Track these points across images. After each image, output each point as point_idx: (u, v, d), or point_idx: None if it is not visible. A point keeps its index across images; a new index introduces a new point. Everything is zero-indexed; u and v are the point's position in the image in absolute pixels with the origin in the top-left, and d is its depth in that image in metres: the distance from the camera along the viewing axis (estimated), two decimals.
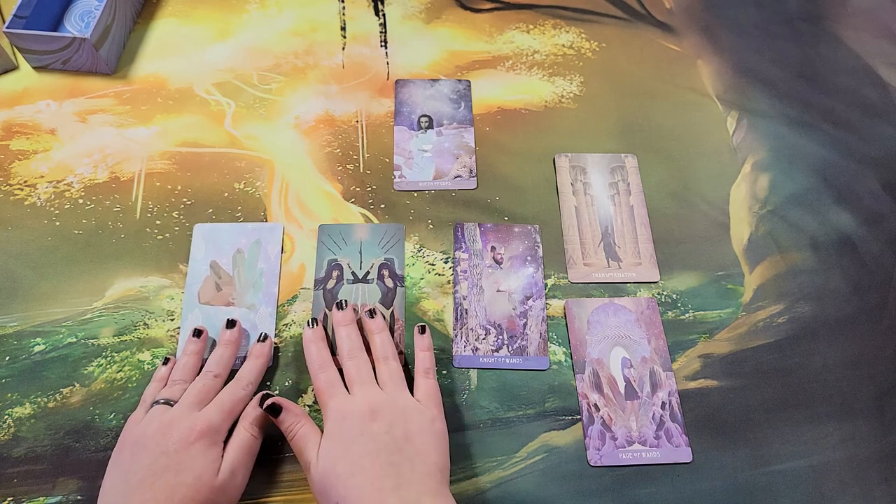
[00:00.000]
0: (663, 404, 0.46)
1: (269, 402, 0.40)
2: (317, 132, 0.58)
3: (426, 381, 0.42)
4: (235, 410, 0.41)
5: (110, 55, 0.59)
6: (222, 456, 0.38)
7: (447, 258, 0.52)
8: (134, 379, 0.45)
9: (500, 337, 0.48)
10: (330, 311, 0.48)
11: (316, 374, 0.42)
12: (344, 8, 0.66)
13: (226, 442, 0.39)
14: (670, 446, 0.44)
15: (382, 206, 0.54)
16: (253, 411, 0.41)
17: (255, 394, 0.42)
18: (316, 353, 0.43)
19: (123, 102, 0.58)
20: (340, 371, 0.43)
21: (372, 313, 0.46)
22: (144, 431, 0.38)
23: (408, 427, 0.38)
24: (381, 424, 0.38)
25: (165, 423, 0.38)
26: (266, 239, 0.51)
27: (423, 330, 0.45)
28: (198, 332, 0.45)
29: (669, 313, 0.50)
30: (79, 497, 0.41)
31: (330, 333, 0.47)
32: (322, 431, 0.40)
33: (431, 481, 0.36)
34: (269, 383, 0.46)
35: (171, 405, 0.40)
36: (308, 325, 0.45)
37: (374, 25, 0.65)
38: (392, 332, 0.47)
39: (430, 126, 0.58)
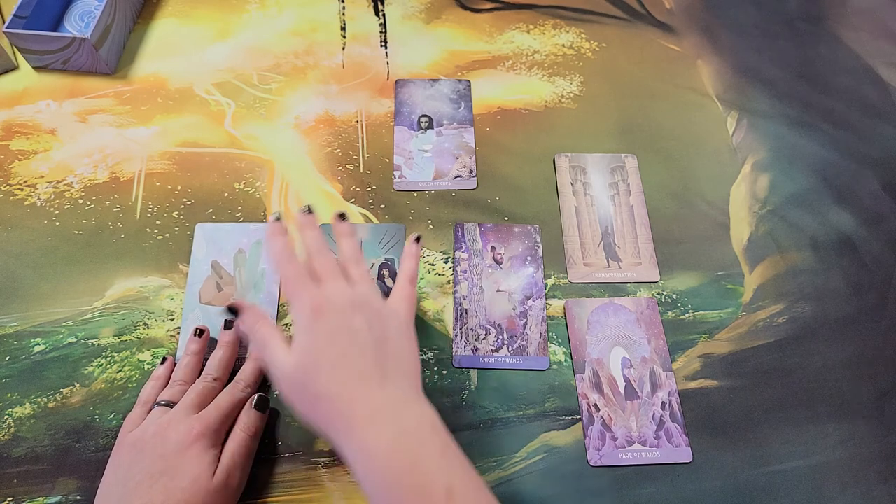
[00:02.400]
0: (663, 404, 0.46)
1: (227, 303, 0.38)
2: (317, 132, 0.58)
3: (409, 287, 0.40)
4: (234, 413, 0.41)
5: (110, 55, 0.59)
6: (219, 458, 0.38)
7: (447, 258, 0.52)
8: (134, 379, 0.45)
9: (500, 337, 0.48)
10: None
11: (282, 265, 0.38)
12: (344, 8, 0.66)
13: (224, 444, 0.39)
14: (670, 446, 0.44)
15: (382, 206, 0.54)
16: (248, 413, 0.41)
17: (254, 394, 0.42)
18: (281, 245, 0.39)
19: (123, 102, 0.58)
20: None
21: (343, 216, 0.43)
22: (143, 434, 0.38)
23: (386, 327, 0.36)
24: (361, 320, 0.35)
25: (163, 425, 0.38)
26: None
27: (418, 239, 0.43)
28: (199, 332, 0.45)
29: (669, 313, 0.50)
30: (79, 497, 0.41)
31: None
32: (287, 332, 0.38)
33: (414, 381, 0.35)
34: (269, 384, 0.46)
35: (172, 407, 0.40)
36: (273, 219, 0.41)
37: (374, 25, 0.65)
38: None
39: (430, 126, 0.58)
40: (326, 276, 0.38)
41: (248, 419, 0.41)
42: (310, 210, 0.42)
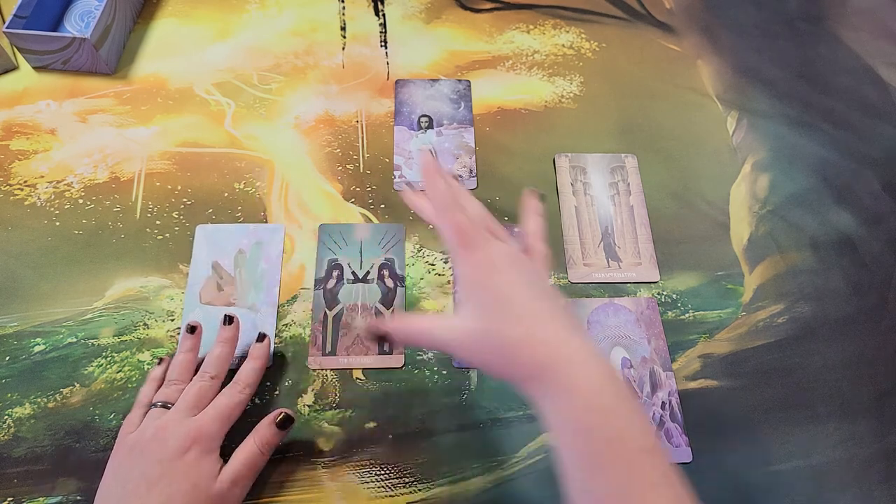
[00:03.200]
0: (663, 404, 0.46)
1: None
2: (317, 132, 0.58)
3: (543, 246, 0.40)
4: (233, 416, 0.40)
5: (110, 55, 0.59)
6: (220, 462, 0.38)
7: (447, 258, 0.52)
8: (134, 379, 0.45)
9: None
10: (330, 310, 0.48)
11: (444, 215, 0.36)
12: (344, 8, 0.66)
13: (225, 448, 0.39)
14: (670, 446, 0.44)
15: (382, 206, 0.54)
16: (269, 428, 0.40)
17: (253, 395, 0.42)
18: (443, 190, 0.36)
19: (123, 102, 0.58)
20: None
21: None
22: (140, 437, 0.38)
23: (545, 285, 0.36)
24: (531, 271, 0.36)
25: (160, 428, 0.38)
26: (267, 240, 0.51)
27: (543, 198, 0.43)
28: (191, 329, 0.44)
29: (669, 313, 0.50)
30: (79, 497, 0.41)
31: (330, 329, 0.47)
32: None
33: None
34: (268, 384, 0.46)
35: (169, 408, 0.40)
36: (427, 153, 0.40)
37: (374, 25, 0.65)
38: None
39: (430, 126, 0.58)
40: (463, 241, 0.35)
41: (266, 434, 0.40)
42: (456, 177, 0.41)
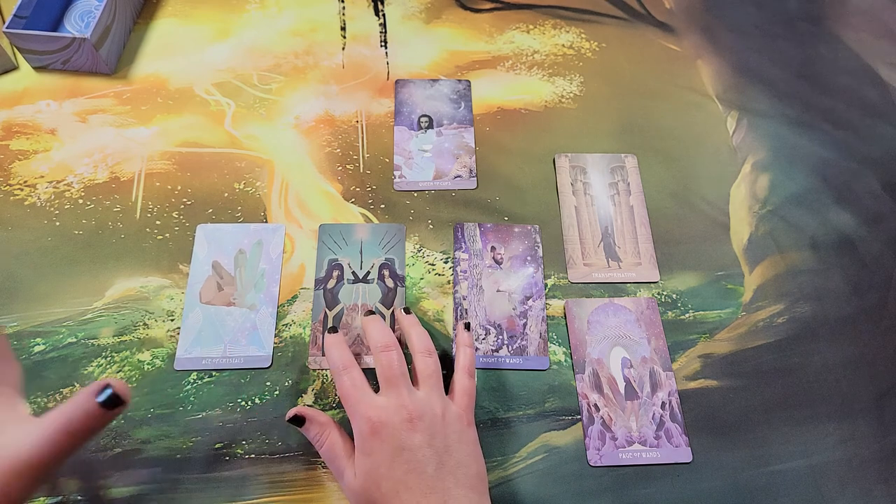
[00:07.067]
0: (663, 404, 0.46)
1: (290, 413, 0.40)
2: (317, 132, 0.58)
3: (469, 381, 0.41)
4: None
5: (110, 55, 0.59)
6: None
7: (447, 258, 0.52)
8: (134, 379, 0.45)
9: (500, 337, 0.48)
10: (331, 310, 0.48)
11: (339, 375, 0.39)
12: (344, 8, 0.66)
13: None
14: (670, 446, 0.44)
15: (382, 206, 0.54)
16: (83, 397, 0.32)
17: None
18: (338, 354, 0.40)
19: (123, 102, 0.58)
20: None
21: (407, 311, 0.44)
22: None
23: (447, 437, 0.37)
24: (421, 436, 0.36)
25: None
26: (268, 240, 0.51)
27: (467, 327, 0.44)
28: (333, 329, 0.43)
29: (669, 313, 0.50)
30: (79, 497, 0.41)
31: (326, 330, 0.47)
32: (351, 437, 0.39)
33: (474, 495, 0.36)
34: (268, 384, 0.46)
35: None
36: (328, 331, 0.43)
37: (374, 25, 0.65)
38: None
39: (430, 126, 0.58)
40: (389, 377, 0.39)
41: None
42: (371, 312, 0.44)
